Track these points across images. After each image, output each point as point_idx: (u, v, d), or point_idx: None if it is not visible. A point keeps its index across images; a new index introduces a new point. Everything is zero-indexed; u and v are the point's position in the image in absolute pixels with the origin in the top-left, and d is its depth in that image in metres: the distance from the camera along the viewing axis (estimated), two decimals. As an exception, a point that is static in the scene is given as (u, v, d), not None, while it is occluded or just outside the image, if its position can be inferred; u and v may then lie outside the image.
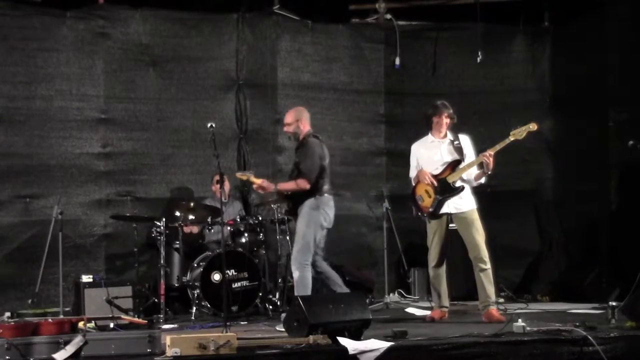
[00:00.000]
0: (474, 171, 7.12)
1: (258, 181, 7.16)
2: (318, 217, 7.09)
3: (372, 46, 10.04)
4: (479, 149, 7.24)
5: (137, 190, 8.97)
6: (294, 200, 7.14)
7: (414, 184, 7.34)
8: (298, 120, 7.21)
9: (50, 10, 8.75)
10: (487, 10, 9.67)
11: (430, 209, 7.19)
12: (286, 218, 8.49)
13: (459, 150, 7.18)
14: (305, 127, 7.24)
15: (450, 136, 7.27)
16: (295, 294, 6.81)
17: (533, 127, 6.93)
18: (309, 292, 6.91)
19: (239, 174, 7.55)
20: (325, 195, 7.15)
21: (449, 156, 7.20)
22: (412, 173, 7.38)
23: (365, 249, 9.80)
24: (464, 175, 7.14)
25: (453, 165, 7.13)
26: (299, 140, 7.20)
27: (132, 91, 9.04)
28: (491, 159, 6.89)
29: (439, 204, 7.14)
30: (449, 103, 7.35)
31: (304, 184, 7.04)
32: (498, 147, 6.93)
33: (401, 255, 9.36)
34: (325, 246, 7.37)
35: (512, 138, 6.92)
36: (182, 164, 9.20)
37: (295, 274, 6.95)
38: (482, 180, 7.14)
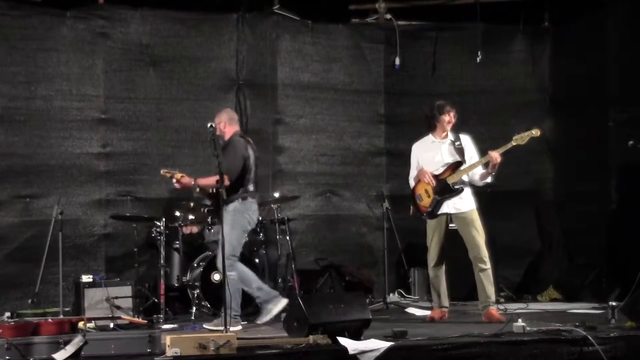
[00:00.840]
0: (478, 170, 7.11)
1: (178, 176, 7.23)
2: (243, 221, 7.20)
3: (372, 46, 10.03)
4: (479, 149, 7.25)
5: (137, 190, 8.97)
6: (218, 200, 7.14)
7: (414, 183, 7.34)
8: (220, 122, 7.32)
9: (50, 10, 8.75)
10: (487, 10, 9.67)
11: (429, 209, 7.19)
12: (286, 218, 8.50)
13: (460, 151, 7.17)
14: (231, 128, 7.37)
15: (451, 136, 7.26)
16: (231, 291, 6.81)
17: (536, 132, 6.92)
18: (253, 281, 7.14)
19: (163, 171, 7.51)
20: (249, 199, 7.25)
21: (450, 157, 7.20)
22: (413, 173, 7.38)
23: (365, 249, 9.80)
24: (468, 175, 7.13)
25: (454, 167, 7.13)
26: (224, 141, 7.30)
27: (132, 91, 9.03)
28: (499, 160, 6.87)
29: (437, 204, 7.14)
30: (449, 103, 7.35)
31: (206, 181, 7.21)
32: (499, 150, 6.91)
33: (401, 255, 9.36)
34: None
35: (514, 143, 6.91)
36: (182, 164, 9.16)
37: (232, 274, 7.00)
38: (488, 179, 7.11)
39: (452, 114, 7.21)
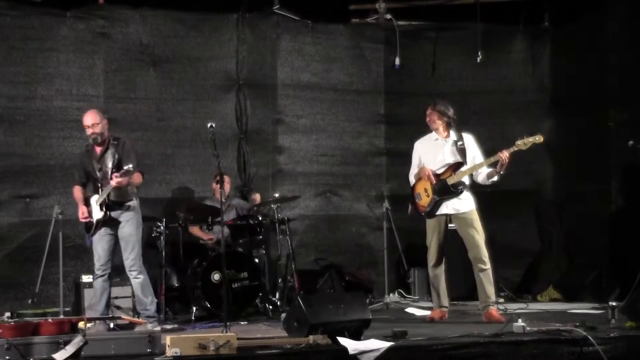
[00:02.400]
0: (485, 170, 7.08)
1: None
2: (140, 219, 7.32)
3: (372, 46, 10.04)
4: (480, 149, 7.24)
5: (137, 190, 8.93)
6: (122, 197, 7.16)
7: (414, 181, 7.33)
8: (103, 121, 7.24)
9: (50, 10, 8.75)
10: (487, 10, 9.67)
11: (427, 209, 7.19)
12: (286, 218, 8.49)
13: (462, 151, 7.16)
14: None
15: (453, 136, 7.25)
16: (141, 295, 7.10)
17: (539, 139, 6.88)
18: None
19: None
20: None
21: (452, 157, 7.19)
22: (413, 170, 7.37)
23: (365, 249, 9.80)
24: (474, 174, 7.11)
25: (454, 168, 7.12)
26: (103, 141, 7.17)
27: (132, 91, 9.04)
28: (507, 160, 6.84)
29: (436, 204, 7.14)
30: (449, 103, 7.33)
31: (139, 179, 7.24)
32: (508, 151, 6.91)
33: (401, 255, 9.35)
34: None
35: (516, 148, 6.89)
36: (183, 164, 9.21)
37: (140, 278, 7.13)
38: (495, 178, 7.06)
39: (428, 111, 7.23)
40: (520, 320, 6.07)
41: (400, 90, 10.03)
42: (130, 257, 7.14)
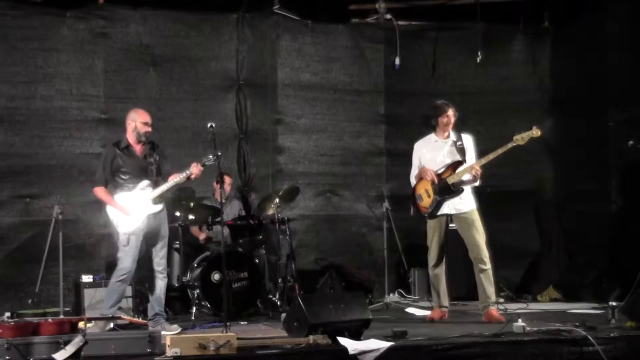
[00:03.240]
0: (467, 176, 7.12)
1: None
2: None
3: (372, 46, 10.04)
4: (479, 149, 7.25)
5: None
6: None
7: (415, 182, 7.34)
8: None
9: (50, 10, 8.75)
10: (487, 10, 9.68)
11: (429, 210, 7.20)
12: (286, 218, 8.49)
13: (461, 151, 7.17)
14: None
15: (453, 136, 7.26)
16: (162, 296, 7.05)
17: (536, 133, 6.91)
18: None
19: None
20: None
21: (451, 157, 7.19)
22: (414, 171, 7.37)
23: (365, 249, 9.80)
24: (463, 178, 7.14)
25: (454, 167, 7.13)
26: (147, 141, 7.10)
27: (132, 91, 9.04)
28: (479, 173, 6.94)
29: (437, 205, 7.14)
30: (448, 103, 7.33)
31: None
32: (500, 151, 6.90)
33: (401, 255, 9.36)
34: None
35: (514, 143, 6.91)
36: (182, 164, 9.17)
37: (166, 279, 7.12)
38: (476, 184, 7.14)
39: (450, 113, 7.20)
40: (520, 320, 6.07)
41: (400, 90, 10.03)
42: (162, 255, 7.07)
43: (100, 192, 7.04)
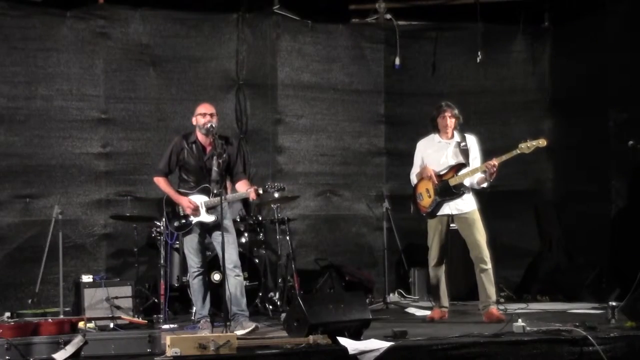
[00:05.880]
0: (477, 175, 7.09)
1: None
2: None
3: (372, 46, 10.04)
4: (480, 149, 7.24)
5: (137, 190, 8.96)
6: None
7: (416, 181, 7.33)
8: (216, 116, 6.90)
9: (50, 10, 8.75)
10: (487, 10, 9.68)
11: (428, 210, 7.19)
12: (286, 218, 8.49)
13: (464, 152, 7.16)
14: None
15: (457, 137, 7.25)
16: (240, 294, 6.73)
17: (542, 143, 6.89)
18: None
19: None
20: None
21: (454, 159, 7.18)
22: (415, 170, 7.37)
23: (365, 249, 9.80)
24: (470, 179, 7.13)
25: (456, 169, 7.12)
26: (215, 134, 6.76)
27: (132, 91, 9.04)
28: (495, 169, 6.87)
29: (437, 205, 7.14)
30: (448, 104, 7.33)
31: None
32: (504, 157, 6.89)
33: (401, 255, 9.36)
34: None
35: (519, 151, 6.89)
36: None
37: (241, 276, 6.84)
38: (485, 184, 7.12)
39: (447, 114, 7.18)
40: (520, 320, 6.07)
41: (400, 90, 10.03)
42: (235, 252, 6.82)
43: (161, 182, 6.89)
